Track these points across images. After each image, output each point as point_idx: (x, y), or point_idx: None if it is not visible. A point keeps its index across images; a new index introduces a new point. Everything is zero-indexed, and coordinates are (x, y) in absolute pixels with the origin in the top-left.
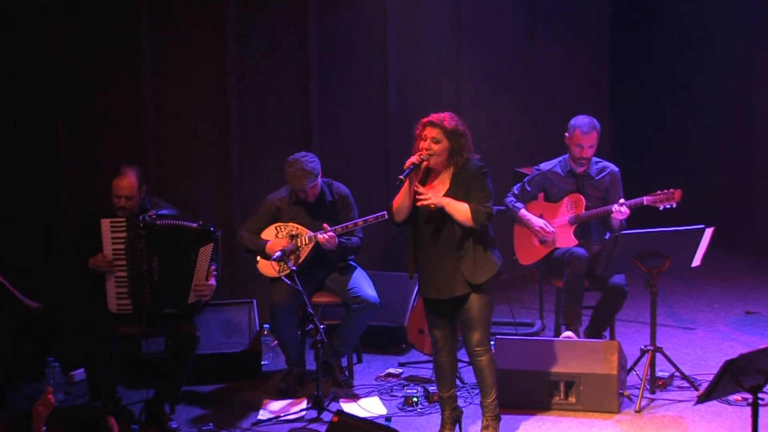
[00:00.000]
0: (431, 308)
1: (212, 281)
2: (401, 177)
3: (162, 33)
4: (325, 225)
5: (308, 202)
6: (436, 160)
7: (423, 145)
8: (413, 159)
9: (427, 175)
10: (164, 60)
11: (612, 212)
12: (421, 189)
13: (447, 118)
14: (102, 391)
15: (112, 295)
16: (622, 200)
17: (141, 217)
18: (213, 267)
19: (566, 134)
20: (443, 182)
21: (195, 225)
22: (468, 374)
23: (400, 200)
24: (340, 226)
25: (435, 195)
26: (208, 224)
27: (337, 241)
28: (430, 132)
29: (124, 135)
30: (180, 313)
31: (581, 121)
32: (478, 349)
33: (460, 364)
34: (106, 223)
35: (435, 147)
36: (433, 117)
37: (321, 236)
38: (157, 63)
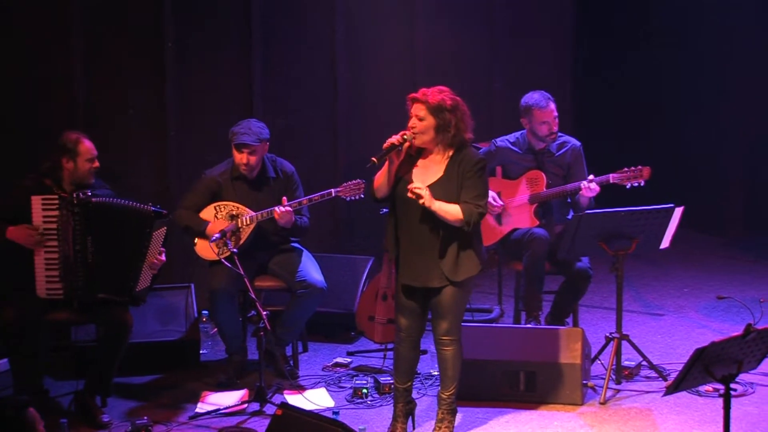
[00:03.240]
0: (403, 293)
1: (163, 257)
2: (374, 159)
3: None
4: (284, 199)
5: (250, 179)
6: (422, 138)
7: (410, 123)
8: (393, 139)
9: (419, 153)
10: (95, 26)
11: (580, 189)
12: (415, 185)
13: (433, 93)
14: (27, 382)
15: (41, 279)
16: (591, 176)
17: (74, 195)
18: (163, 249)
19: (523, 119)
20: (437, 163)
21: (151, 209)
22: (421, 365)
23: (381, 180)
24: (297, 201)
25: (429, 177)
26: (159, 206)
27: (293, 217)
28: (416, 109)
29: (52, 105)
30: (126, 302)
31: (534, 98)
32: (444, 338)
33: None
34: (37, 201)
35: (419, 125)
36: (419, 92)
37: (279, 209)
38: (88, 29)
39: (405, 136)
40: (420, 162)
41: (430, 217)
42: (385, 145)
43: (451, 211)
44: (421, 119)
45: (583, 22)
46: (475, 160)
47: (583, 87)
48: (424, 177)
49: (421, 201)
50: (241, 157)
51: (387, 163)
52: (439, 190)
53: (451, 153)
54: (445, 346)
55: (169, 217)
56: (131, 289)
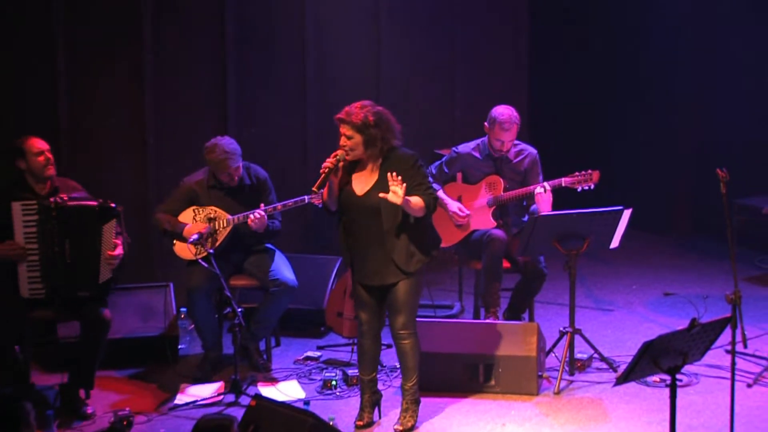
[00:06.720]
0: (360, 290)
1: (119, 249)
2: (314, 189)
3: (77, 13)
4: (261, 205)
5: (227, 186)
6: (354, 154)
7: (340, 141)
8: (327, 164)
9: (355, 166)
10: (79, 41)
11: (535, 194)
12: (394, 180)
13: (355, 111)
14: (13, 376)
15: (24, 280)
16: (545, 183)
17: (52, 199)
18: (119, 240)
19: (486, 124)
20: (371, 171)
21: (95, 203)
22: (386, 357)
23: (327, 196)
24: (271, 206)
25: (366, 184)
26: (107, 201)
27: (266, 222)
28: (343, 129)
29: (36, 116)
30: (93, 295)
31: (502, 115)
32: (402, 332)
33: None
34: (17, 207)
35: (348, 143)
36: (343, 113)
37: (253, 215)
38: (72, 44)
39: (337, 157)
40: (356, 173)
41: (375, 218)
42: (321, 170)
43: (417, 203)
44: (349, 138)
45: (539, 24)
46: (409, 159)
47: (539, 92)
48: (362, 185)
49: (395, 200)
50: (224, 176)
51: (327, 183)
52: (377, 193)
53: (381, 160)
54: (403, 340)
55: (117, 210)
56: (96, 282)
